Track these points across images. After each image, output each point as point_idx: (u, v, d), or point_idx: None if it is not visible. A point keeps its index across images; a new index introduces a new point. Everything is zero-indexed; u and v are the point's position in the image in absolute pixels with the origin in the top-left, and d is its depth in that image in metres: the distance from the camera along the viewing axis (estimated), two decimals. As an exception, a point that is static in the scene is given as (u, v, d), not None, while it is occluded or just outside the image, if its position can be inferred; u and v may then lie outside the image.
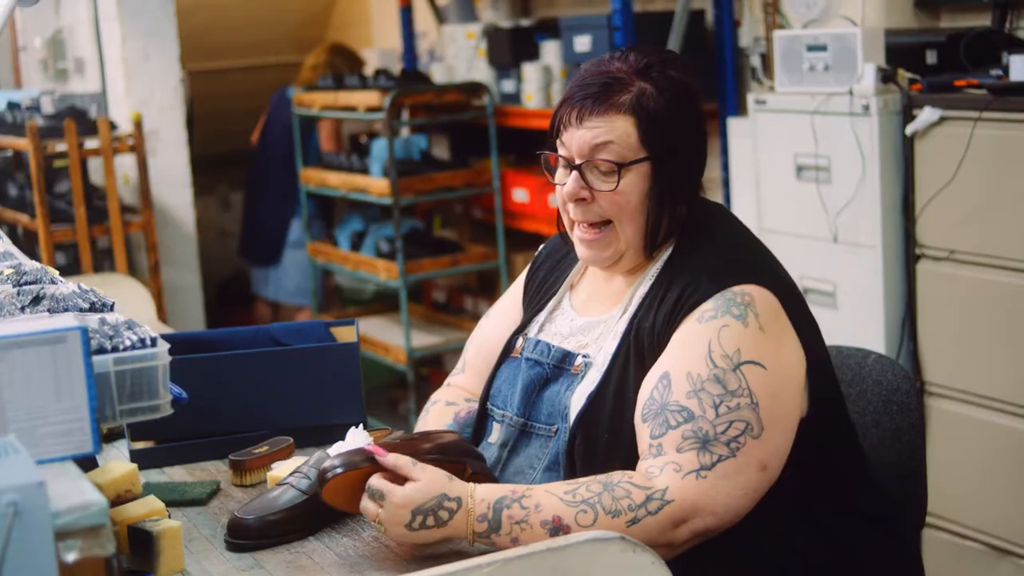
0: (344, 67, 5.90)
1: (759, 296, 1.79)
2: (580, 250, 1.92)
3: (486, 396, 2.02)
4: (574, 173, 1.86)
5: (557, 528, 1.66)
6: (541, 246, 2.18)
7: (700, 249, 1.87)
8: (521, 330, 2.03)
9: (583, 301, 2.00)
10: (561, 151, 1.90)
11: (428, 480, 1.67)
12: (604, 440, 1.80)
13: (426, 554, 1.70)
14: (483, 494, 1.68)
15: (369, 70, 5.72)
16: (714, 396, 1.72)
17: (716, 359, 1.73)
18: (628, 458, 1.77)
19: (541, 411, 1.90)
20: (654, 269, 1.89)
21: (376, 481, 1.68)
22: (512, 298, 2.15)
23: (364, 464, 1.69)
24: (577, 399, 1.85)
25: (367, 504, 1.68)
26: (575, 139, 1.85)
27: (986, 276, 3.05)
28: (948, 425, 3.19)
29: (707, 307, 1.78)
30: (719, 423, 1.71)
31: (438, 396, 2.16)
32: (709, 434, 1.70)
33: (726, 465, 1.70)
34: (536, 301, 2.06)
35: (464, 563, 1.46)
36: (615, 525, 1.66)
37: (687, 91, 1.88)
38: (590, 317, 1.95)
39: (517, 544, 1.65)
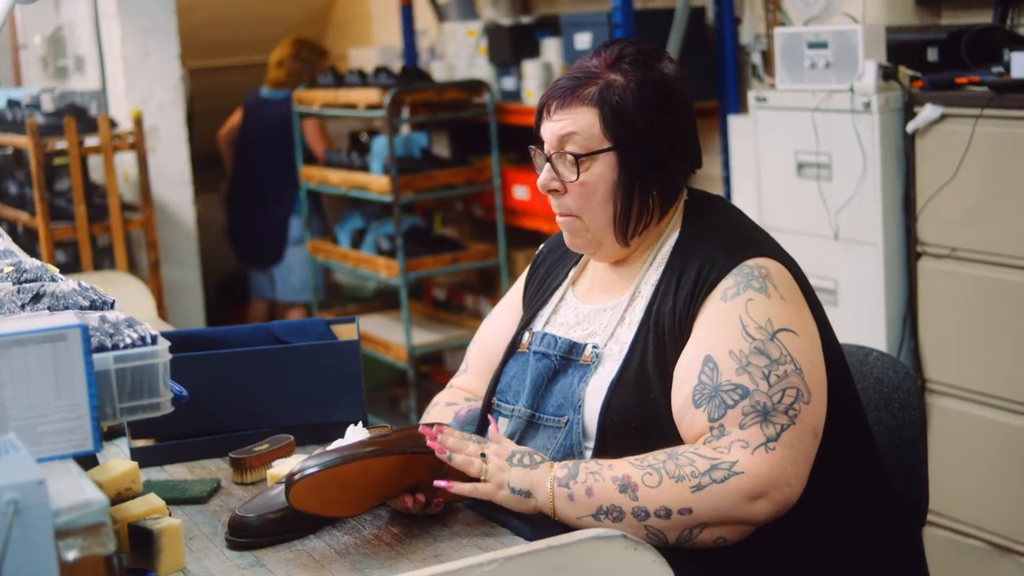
0: (312, 59, 5.89)
1: (774, 268, 1.83)
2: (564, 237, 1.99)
3: (492, 392, 2.03)
4: (547, 164, 1.92)
5: (626, 485, 1.71)
6: (542, 245, 2.19)
7: (708, 231, 1.90)
8: (526, 325, 2.04)
9: (586, 291, 2.02)
10: (544, 146, 1.94)
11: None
12: (633, 428, 1.81)
13: (436, 554, 1.70)
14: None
15: (369, 68, 5.72)
16: (761, 368, 1.75)
17: (752, 332, 1.76)
18: (661, 442, 1.78)
19: (549, 403, 1.91)
20: (661, 255, 1.92)
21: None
22: (514, 298, 2.17)
23: (339, 462, 1.67)
24: (594, 390, 1.86)
25: (471, 450, 1.77)
26: (547, 131, 1.91)
27: (987, 273, 3.05)
28: (949, 423, 3.19)
29: (728, 283, 1.81)
30: (773, 392, 1.73)
31: (439, 398, 2.18)
32: (767, 405, 1.73)
33: (789, 434, 1.73)
34: (539, 297, 2.07)
35: (467, 560, 1.46)
36: (679, 489, 1.69)
37: (657, 80, 1.89)
38: (595, 305, 1.96)
39: (591, 496, 1.71)
